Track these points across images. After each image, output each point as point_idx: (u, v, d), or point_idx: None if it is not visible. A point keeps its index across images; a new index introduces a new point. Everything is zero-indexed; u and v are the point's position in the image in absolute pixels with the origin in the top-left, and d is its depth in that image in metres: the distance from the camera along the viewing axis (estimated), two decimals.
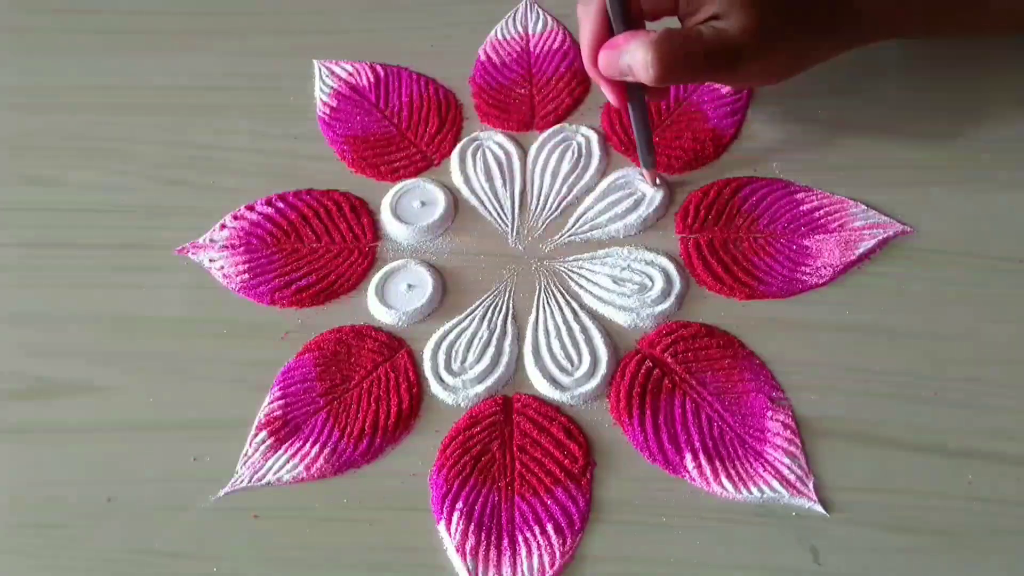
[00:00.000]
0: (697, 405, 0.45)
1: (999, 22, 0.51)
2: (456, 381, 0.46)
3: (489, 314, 0.48)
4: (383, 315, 0.48)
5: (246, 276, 0.50)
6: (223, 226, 0.52)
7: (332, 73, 0.59)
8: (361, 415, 0.45)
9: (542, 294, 0.49)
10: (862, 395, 0.45)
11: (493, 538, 0.42)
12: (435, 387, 0.46)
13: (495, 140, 0.55)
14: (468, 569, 0.41)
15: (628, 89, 0.47)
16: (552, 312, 0.48)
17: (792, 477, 0.42)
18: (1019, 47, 0.55)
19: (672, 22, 0.47)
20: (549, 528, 0.42)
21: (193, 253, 0.51)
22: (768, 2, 0.43)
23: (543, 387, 0.46)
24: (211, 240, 0.52)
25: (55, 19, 0.64)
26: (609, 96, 0.47)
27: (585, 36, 0.45)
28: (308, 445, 0.45)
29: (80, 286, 0.51)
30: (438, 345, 0.47)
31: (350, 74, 0.59)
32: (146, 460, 0.45)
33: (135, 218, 0.53)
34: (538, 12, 0.61)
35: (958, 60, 0.56)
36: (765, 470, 0.43)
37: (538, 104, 0.56)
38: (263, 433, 0.45)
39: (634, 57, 0.43)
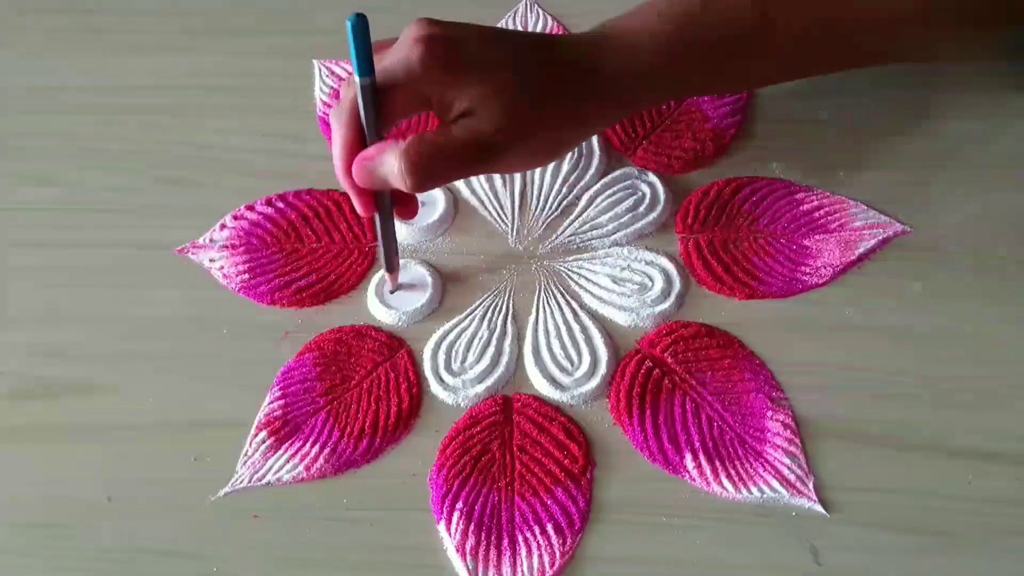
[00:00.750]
0: (697, 405, 0.45)
1: (768, 77, 0.51)
2: (456, 381, 0.46)
3: (489, 314, 0.48)
4: (383, 315, 0.48)
5: (246, 276, 0.50)
6: (223, 226, 0.52)
7: (332, 73, 0.59)
8: (361, 415, 0.45)
9: (542, 294, 0.49)
10: (862, 395, 0.45)
11: (493, 538, 0.42)
12: (435, 387, 0.46)
13: None
14: (468, 569, 0.41)
15: (375, 197, 0.45)
16: (552, 312, 0.48)
17: (792, 477, 0.42)
18: (1020, 47, 0.55)
19: None
20: (549, 528, 0.42)
21: (193, 253, 0.51)
22: (516, 96, 0.42)
23: (543, 387, 0.46)
24: (211, 240, 0.52)
25: (55, 19, 0.63)
26: (358, 206, 0.45)
27: (337, 146, 0.43)
28: (308, 445, 0.45)
29: (80, 286, 0.51)
30: (438, 345, 0.47)
31: (350, 74, 0.59)
32: (146, 460, 0.45)
33: (135, 218, 0.53)
34: (538, 12, 0.61)
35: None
36: (765, 470, 0.43)
37: None
38: (263, 433, 0.45)
39: (388, 167, 0.41)
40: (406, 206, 0.47)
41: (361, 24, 0.39)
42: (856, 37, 0.48)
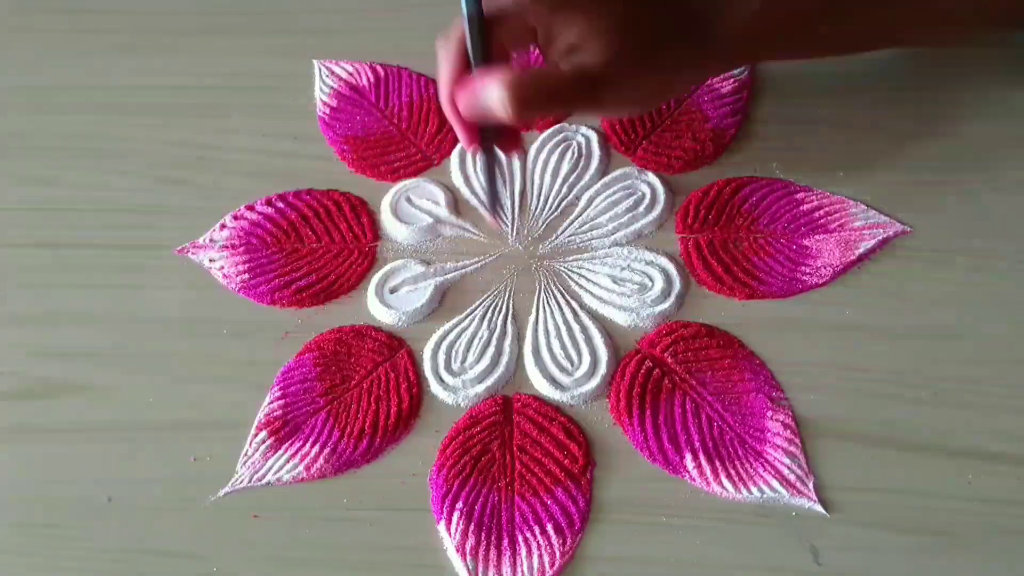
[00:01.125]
0: (697, 405, 0.45)
1: (875, 41, 0.51)
2: (456, 381, 0.46)
3: (489, 314, 0.48)
4: (383, 315, 0.48)
5: (246, 276, 0.50)
6: (223, 226, 0.52)
7: (332, 73, 0.59)
8: (361, 415, 0.45)
9: (542, 294, 0.49)
10: (862, 395, 0.45)
11: (493, 538, 0.42)
12: (435, 387, 0.46)
13: None
14: (468, 569, 0.41)
15: (481, 134, 0.45)
16: (552, 312, 0.48)
17: (792, 477, 0.42)
18: (1019, 48, 0.56)
19: None
20: (549, 528, 0.42)
21: (193, 253, 0.51)
22: (625, 33, 0.41)
23: (543, 387, 0.46)
24: (211, 240, 0.52)
25: (55, 19, 0.63)
26: (461, 137, 0.46)
27: (443, 74, 0.43)
28: (308, 445, 0.45)
29: (80, 286, 0.51)
30: (438, 345, 0.47)
31: (350, 74, 0.59)
32: (146, 460, 0.45)
33: (135, 218, 0.53)
34: None
35: (958, 60, 0.56)
36: (765, 470, 0.43)
37: None
38: (263, 433, 0.45)
39: (490, 96, 0.41)
40: (510, 140, 0.47)
41: None
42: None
